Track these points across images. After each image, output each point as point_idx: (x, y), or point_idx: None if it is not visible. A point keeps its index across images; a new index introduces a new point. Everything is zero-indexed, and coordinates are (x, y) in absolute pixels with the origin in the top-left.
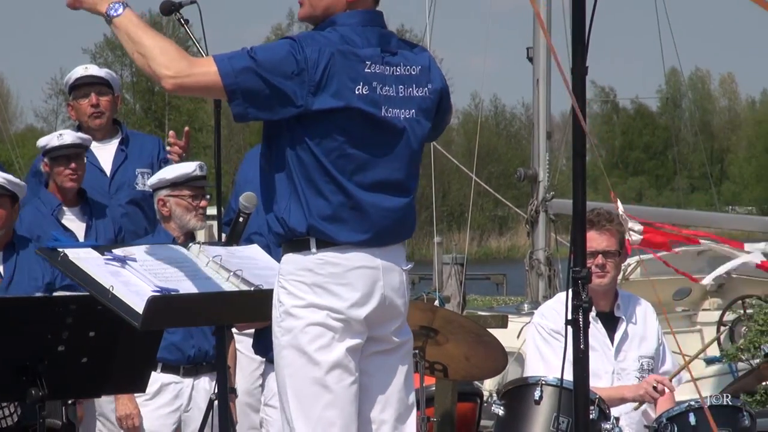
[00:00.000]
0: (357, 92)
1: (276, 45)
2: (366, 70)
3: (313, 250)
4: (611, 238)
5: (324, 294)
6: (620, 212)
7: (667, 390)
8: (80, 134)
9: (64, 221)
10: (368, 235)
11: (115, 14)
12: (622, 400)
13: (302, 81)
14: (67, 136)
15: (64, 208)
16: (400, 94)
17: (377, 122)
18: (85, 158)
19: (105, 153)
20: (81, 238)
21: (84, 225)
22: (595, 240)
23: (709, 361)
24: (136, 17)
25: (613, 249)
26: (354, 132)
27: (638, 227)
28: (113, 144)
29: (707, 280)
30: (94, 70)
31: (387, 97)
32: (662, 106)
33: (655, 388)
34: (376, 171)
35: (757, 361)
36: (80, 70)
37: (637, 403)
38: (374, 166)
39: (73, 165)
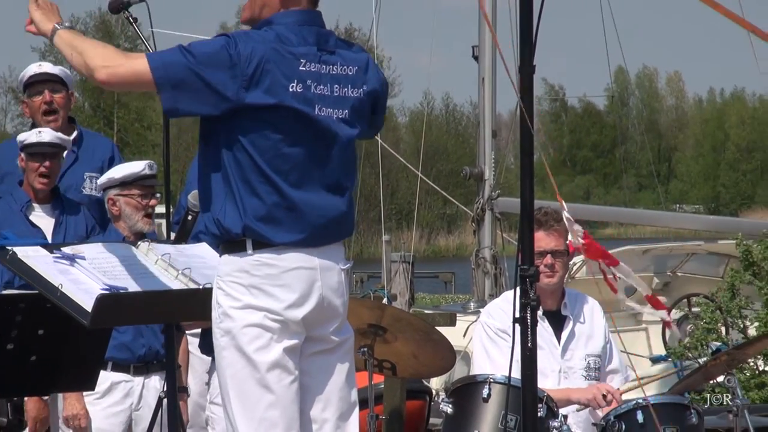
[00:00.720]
0: (291, 89)
1: (210, 41)
2: (301, 68)
3: (249, 251)
4: (559, 238)
5: (261, 295)
6: (565, 216)
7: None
8: (60, 135)
9: (32, 217)
10: (304, 235)
11: (60, 27)
12: (569, 402)
13: (234, 75)
14: (45, 134)
15: (34, 205)
16: (335, 94)
17: (310, 121)
18: (62, 159)
19: None
20: (49, 234)
21: (53, 221)
22: (544, 240)
23: (655, 360)
24: (79, 33)
25: (561, 249)
26: (288, 131)
27: (581, 233)
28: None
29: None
30: (47, 67)
31: (321, 96)
32: (610, 105)
33: (604, 396)
34: (311, 170)
35: (705, 359)
36: (34, 68)
37: (581, 406)
38: (309, 166)
39: (47, 163)
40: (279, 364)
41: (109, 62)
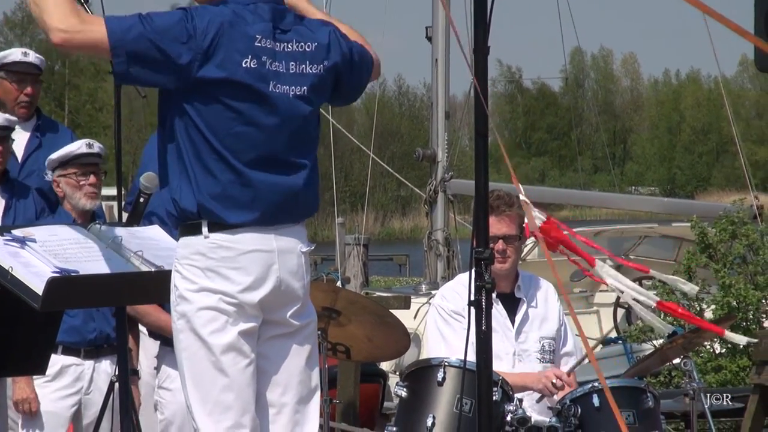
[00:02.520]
0: (244, 65)
1: (167, 13)
2: (256, 44)
3: (205, 233)
4: (511, 224)
5: (216, 278)
6: (522, 200)
7: (576, 376)
8: (8, 116)
9: None
10: (259, 213)
11: None
12: (525, 389)
13: (190, 48)
14: None
15: None
16: (291, 71)
17: (264, 97)
18: (11, 141)
19: (19, 136)
20: None
21: (3, 204)
22: (495, 226)
23: (606, 343)
24: None
25: (513, 234)
26: (241, 108)
27: (542, 217)
28: (28, 129)
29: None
30: (32, 57)
31: (276, 72)
32: (565, 87)
33: (554, 383)
34: (266, 149)
35: (661, 341)
36: (18, 54)
37: (539, 395)
38: (264, 144)
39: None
40: (234, 347)
41: (66, 26)
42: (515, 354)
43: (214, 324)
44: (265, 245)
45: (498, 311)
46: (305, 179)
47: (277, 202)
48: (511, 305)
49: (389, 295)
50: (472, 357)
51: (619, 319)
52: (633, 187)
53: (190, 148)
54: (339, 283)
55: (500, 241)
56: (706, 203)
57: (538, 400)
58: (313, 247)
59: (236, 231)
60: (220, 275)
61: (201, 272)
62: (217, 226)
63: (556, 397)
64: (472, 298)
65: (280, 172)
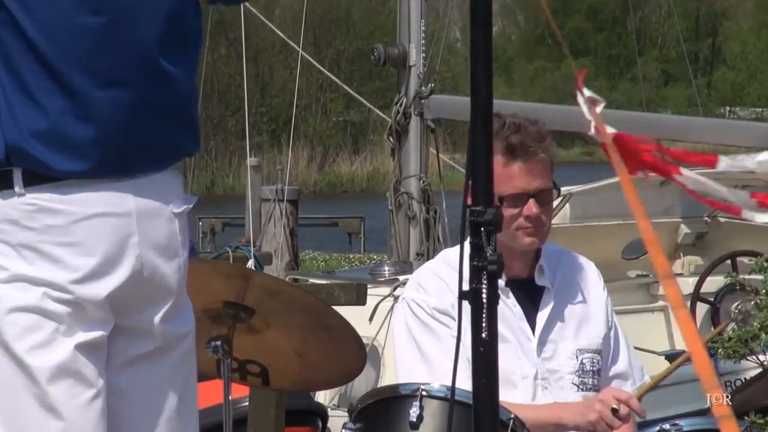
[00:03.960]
0: None
1: None
2: None
3: (19, 189)
4: (544, 172)
5: (38, 260)
6: (587, 94)
7: (634, 414)
8: None
9: None
10: (102, 155)
11: None
12: (559, 427)
13: None
14: None
15: None
16: None
17: None
18: None
19: None
20: None
21: None
22: (522, 177)
23: (674, 357)
24: None
25: (548, 187)
26: None
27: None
28: None
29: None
30: None
31: None
32: None
33: (615, 410)
34: (120, 51)
35: None
36: None
37: None
38: (116, 44)
39: None
40: (68, 371)
41: None
42: (538, 377)
43: (35, 335)
44: (115, 206)
45: (509, 307)
46: (178, 96)
47: (133, 134)
48: (531, 298)
49: (332, 282)
50: (465, 383)
51: (700, 321)
52: (726, 108)
53: (0, 57)
54: (251, 264)
55: (531, 200)
56: None
57: None
58: (192, 205)
59: (69, 185)
60: (45, 256)
61: (12, 251)
62: (37, 177)
63: None
64: (466, 287)
65: (142, 84)
